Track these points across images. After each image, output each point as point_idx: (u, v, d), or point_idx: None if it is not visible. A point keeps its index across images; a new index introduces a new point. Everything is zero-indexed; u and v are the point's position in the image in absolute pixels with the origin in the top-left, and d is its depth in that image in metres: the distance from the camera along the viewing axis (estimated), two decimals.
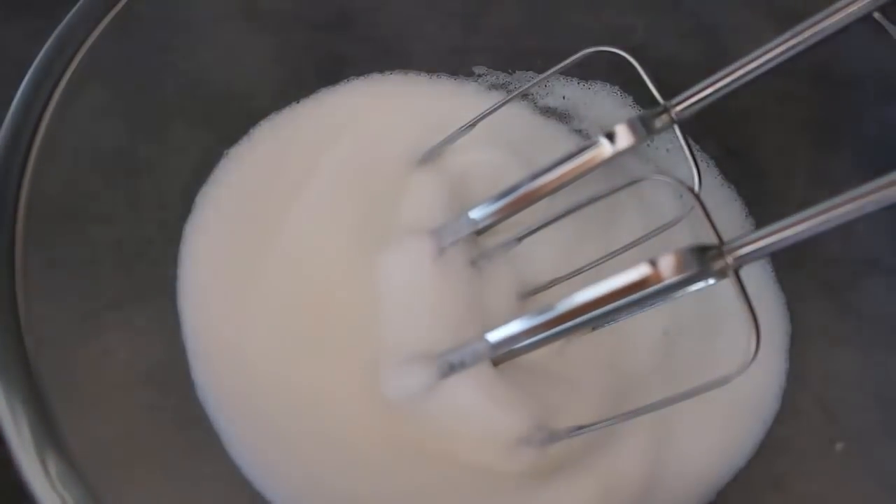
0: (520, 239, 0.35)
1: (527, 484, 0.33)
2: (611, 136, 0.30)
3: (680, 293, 0.27)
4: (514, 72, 0.42)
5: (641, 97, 0.40)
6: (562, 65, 0.33)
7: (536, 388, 0.34)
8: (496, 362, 0.34)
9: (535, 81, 0.36)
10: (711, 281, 0.26)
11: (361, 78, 0.41)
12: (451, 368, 0.31)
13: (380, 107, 0.40)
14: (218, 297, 0.35)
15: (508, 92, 0.42)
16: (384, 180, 0.38)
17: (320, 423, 0.33)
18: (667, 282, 0.25)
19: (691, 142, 0.31)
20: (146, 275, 0.34)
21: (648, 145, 0.41)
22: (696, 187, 0.30)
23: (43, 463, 0.23)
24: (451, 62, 0.41)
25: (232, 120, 0.38)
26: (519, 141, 0.40)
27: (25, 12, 0.41)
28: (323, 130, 0.39)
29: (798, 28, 0.28)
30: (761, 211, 0.39)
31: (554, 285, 0.36)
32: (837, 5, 0.27)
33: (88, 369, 0.29)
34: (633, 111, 0.41)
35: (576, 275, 0.35)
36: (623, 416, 0.30)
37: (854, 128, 0.34)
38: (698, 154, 0.40)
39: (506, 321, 0.29)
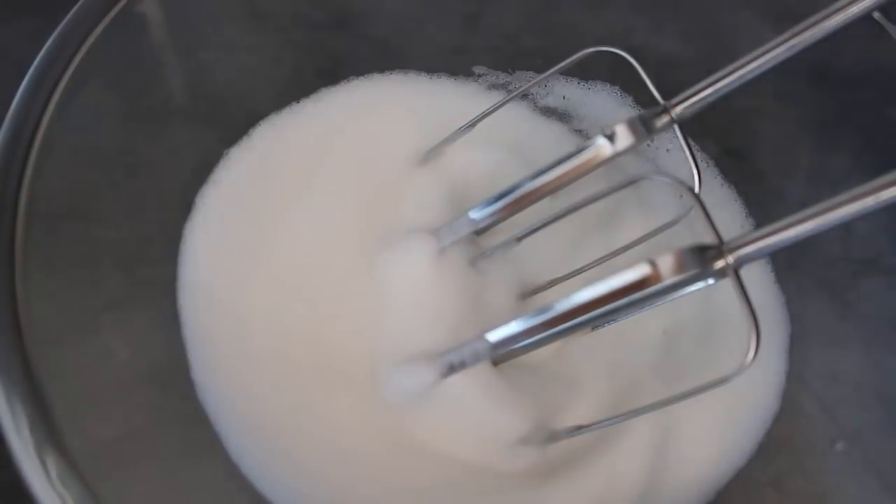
0: (520, 239, 0.35)
1: (527, 484, 0.33)
2: (611, 136, 0.30)
3: (680, 293, 0.27)
4: (514, 72, 0.42)
5: (641, 97, 0.40)
6: (562, 65, 0.33)
7: (536, 388, 0.34)
8: (496, 362, 0.34)
9: (535, 81, 0.36)
10: (711, 281, 0.26)
11: (361, 78, 0.41)
12: (452, 368, 0.31)
13: (380, 107, 0.40)
14: (218, 297, 0.34)
15: (508, 92, 0.42)
16: (384, 180, 0.38)
17: (320, 423, 0.33)
18: (667, 282, 0.25)
19: (691, 142, 0.31)
20: (146, 275, 0.34)
21: (648, 145, 0.41)
22: (696, 187, 0.30)
23: (43, 463, 0.23)
24: (451, 62, 0.41)
25: (232, 120, 0.38)
26: (519, 141, 0.40)
27: (25, 12, 0.41)
28: (323, 130, 0.39)
29: (798, 28, 0.28)
30: (761, 211, 0.39)
31: (554, 285, 0.36)
32: (837, 5, 0.27)
33: (88, 369, 0.29)
34: (633, 111, 0.41)
35: (576, 275, 0.35)
36: (623, 416, 0.30)
37: (854, 128, 0.34)
38: (698, 154, 0.39)
39: (506, 321, 0.29)
